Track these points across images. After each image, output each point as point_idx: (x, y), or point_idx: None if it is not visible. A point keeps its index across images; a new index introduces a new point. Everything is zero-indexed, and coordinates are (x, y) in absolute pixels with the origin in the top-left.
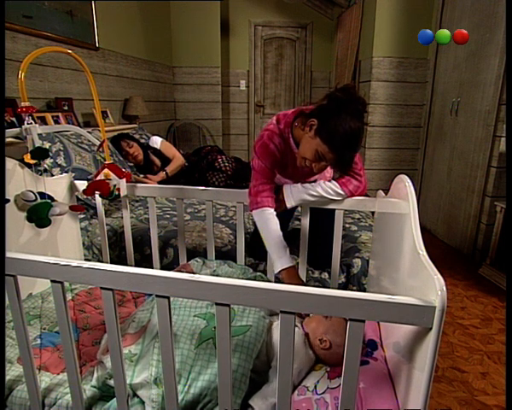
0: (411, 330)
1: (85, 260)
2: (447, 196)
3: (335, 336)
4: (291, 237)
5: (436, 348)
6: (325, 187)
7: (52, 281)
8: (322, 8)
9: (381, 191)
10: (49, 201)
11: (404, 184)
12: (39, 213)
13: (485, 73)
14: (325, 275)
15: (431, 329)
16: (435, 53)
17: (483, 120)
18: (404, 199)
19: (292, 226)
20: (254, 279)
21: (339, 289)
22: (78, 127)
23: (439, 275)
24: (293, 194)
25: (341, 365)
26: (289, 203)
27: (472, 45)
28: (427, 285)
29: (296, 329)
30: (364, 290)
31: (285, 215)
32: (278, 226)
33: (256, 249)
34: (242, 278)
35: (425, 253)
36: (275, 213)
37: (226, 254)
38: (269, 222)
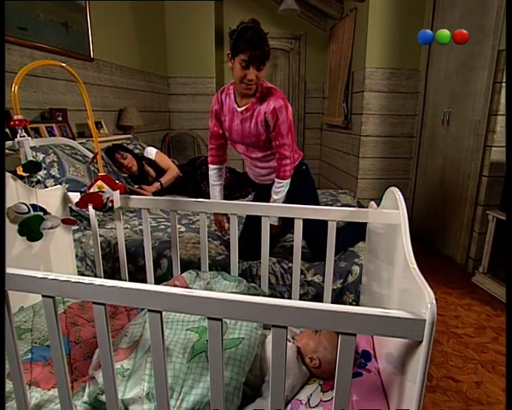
0: (403, 341)
1: (78, 271)
2: (440, 204)
3: (325, 353)
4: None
5: (427, 360)
6: (274, 189)
7: (43, 296)
8: (315, 20)
9: (373, 202)
10: (41, 214)
11: (395, 196)
12: (31, 226)
13: (475, 84)
14: (319, 278)
15: (422, 342)
16: (426, 64)
17: (474, 129)
18: (395, 210)
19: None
20: (248, 291)
21: (334, 295)
22: (71, 140)
23: (429, 288)
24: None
25: (334, 378)
26: (272, 221)
27: (461, 57)
28: (418, 298)
29: (289, 344)
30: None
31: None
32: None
33: (244, 250)
34: (236, 292)
35: (415, 266)
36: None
37: (220, 263)
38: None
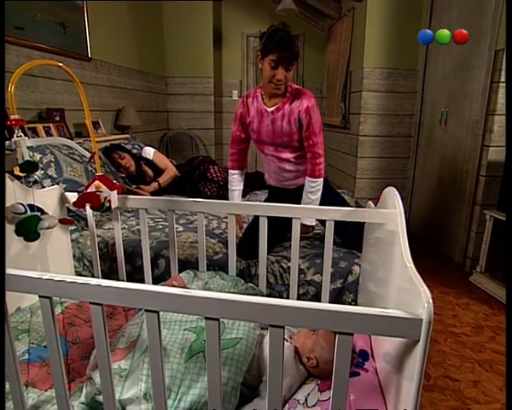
0: (400, 341)
1: (76, 272)
2: (438, 204)
3: (322, 352)
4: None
5: (424, 359)
6: (309, 190)
7: (40, 296)
8: (313, 20)
9: (370, 202)
10: (38, 214)
11: (392, 195)
12: (28, 226)
13: (472, 84)
14: (319, 277)
15: (419, 341)
16: (424, 64)
17: (471, 129)
18: (392, 210)
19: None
20: (245, 291)
21: (334, 295)
22: (68, 140)
23: (426, 288)
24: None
25: (331, 378)
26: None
27: (459, 57)
28: (414, 298)
29: (287, 344)
30: None
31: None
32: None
33: (244, 250)
34: (234, 292)
35: (412, 265)
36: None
37: (217, 262)
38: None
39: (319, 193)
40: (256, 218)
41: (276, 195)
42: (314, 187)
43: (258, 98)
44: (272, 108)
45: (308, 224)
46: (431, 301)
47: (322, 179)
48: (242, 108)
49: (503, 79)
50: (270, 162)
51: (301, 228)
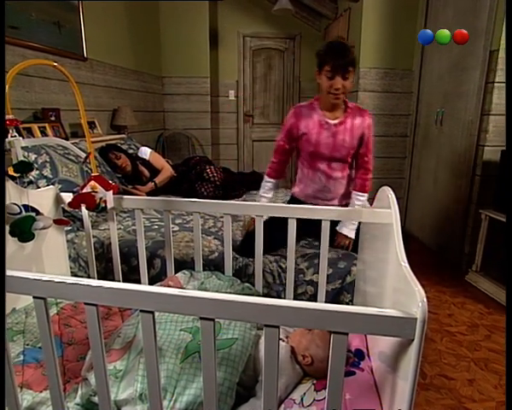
0: (396, 340)
1: (71, 272)
2: (434, 204)
3: (317, 350)
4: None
5: (418, 358)
6: (356, 202)
7: (34, 297)
8: (309, 20)
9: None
10: (33, 214)
11: (387, 195)
12: (22, 227)
13: (468, 84)
14: (318, 277)
15: (413, 340)
16: (420, 64)
17: (467, 129)
18: (387, 210)
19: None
20: (242, 291)
21: (332, 295)
22: (63, 140)
23: (420, 287)
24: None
25: (327, 377)
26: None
27: (454, 57)
28: (409, 297)
29: (283, 343)
30: None
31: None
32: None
33: (247, 249)
34: (230, 292)
35: (407, 264)
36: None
37: (213, 262)
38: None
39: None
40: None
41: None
42: (362, 201)
43: (317, 110)
44: (335, 121)
45: (347, 234)
46: (425, 300)
47: (367, 195)
48: (294, 119)
49: (497, 79)
50: (317, 178)
51: (339, 238)
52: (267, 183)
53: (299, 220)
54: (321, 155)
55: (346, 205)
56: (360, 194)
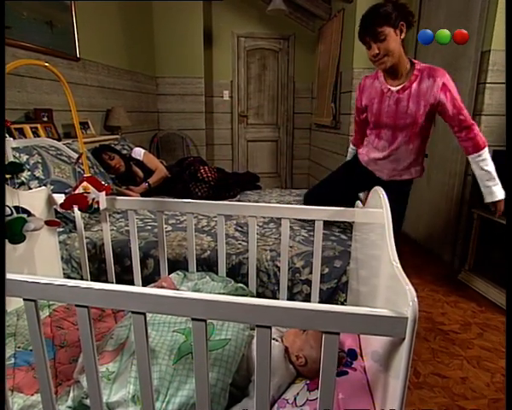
0: (387, 339)
1: (64, 274)
2: (427, 203)
3: (311, 351)
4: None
5: (409, 357)
6: (480, 164)
7: (25, 299)
8: (303, 21)
9: (358, 202)
10: (24, 216)
11: (379, 195)
12: (13, 228)
13: (460, 84)
14: None
15: (404, 339)
16: None
17: None
18: (379, 210)
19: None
20: (235, 291)
21: (327, 294)
22: (55, 141)
23: (411, 286)
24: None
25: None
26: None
27: (447, 58)
28: (400, 296)
29: (277, 343)
30: None
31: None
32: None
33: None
34: (223, 293)
35: (398, 264)
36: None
37: (206, 261)
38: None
39: (491, 162)
40: (348, 166)
41: (370, 180)
42: (485, 158)
43: (380, 78)
44: (397, 88)
45: (501, 197)
46: (416, 299)
47: (487, 148)
48: (358, 91)
49: (489, 80)
50: (380, 147)
51: (498, 206)
52: (350, 149)
53: (364, 174)
54: (383, 124)
55: (415, 177)
56: (476, 154)
